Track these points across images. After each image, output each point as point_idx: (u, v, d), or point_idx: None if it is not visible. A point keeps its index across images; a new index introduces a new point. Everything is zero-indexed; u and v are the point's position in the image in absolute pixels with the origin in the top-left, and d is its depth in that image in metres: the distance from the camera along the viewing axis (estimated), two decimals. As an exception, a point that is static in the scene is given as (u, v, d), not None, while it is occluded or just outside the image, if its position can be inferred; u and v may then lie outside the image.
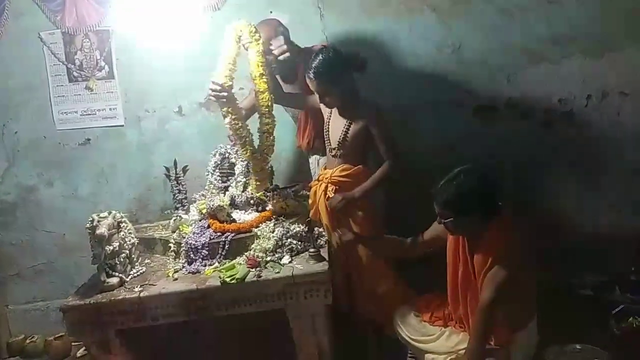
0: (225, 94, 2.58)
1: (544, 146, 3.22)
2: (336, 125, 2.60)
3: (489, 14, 3.09)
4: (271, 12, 3.11)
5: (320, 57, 2.46)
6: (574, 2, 3.05)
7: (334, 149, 2.62)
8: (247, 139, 2.65)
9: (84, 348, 3.08)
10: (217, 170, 2.78)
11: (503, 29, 3.10)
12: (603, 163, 3.23)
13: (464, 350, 2.11)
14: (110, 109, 3.30)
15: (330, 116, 2.64)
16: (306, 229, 2.43)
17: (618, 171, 3.22)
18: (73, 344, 3.19)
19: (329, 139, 2.65)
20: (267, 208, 2.66)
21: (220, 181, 2.76)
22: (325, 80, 2.46)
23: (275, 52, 2.70)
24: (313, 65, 2.46)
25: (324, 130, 2.67)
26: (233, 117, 2.62)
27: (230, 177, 2.78)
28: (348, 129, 2.55)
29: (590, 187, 3.26)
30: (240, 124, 2.64)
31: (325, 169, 2.73)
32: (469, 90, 3.18)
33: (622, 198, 3.24)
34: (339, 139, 2.57)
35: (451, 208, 2.04)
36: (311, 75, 2.47)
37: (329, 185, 2.62)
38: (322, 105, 2.63)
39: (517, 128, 3.20)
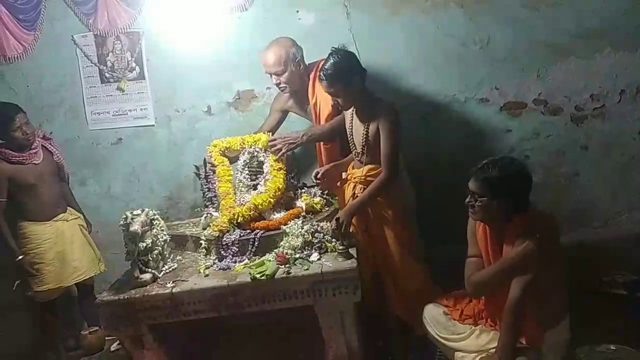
0: None
1: (574, 143, 3.17)
2: (357, 129, 2.61)
3: (516, 9, 3.05)
4: (297, 11, 3.14)
5: (330, 59, 2.47)
6: (604, -5, 3.00)
7: (359, 153, 2.62)
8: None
9: (117, 342, 3.17)
10: (246, 169, 2.83)
11: (531, 24, 3.06)
12: (635, 160, 3.16)
13: (494, 349, 2.10)
14: (141, 109, 3.37)
15: (352, 120, 2.65)
16: (335, 227, 2.44)
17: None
18: (107, 338, 3.26)
19: (353, 143, 2.66)
20: (296, 206, 2.69)
21: (249, 179, 2.80)
22: (335, 82, 2.46)
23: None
24: (324, 67, 2.48)
25: (348, 134, 2.68)
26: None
27: (258, 175, 2.81)
28: (368, 132, 2.54)
29: (623, 184, 3.19)
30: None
31: (353, 168, 2.73)
32: (497, 86, 3.15)
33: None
34: (362, 142, 2.58)
35: (489, 187, 2.04)
36: (322, 77, 2.49)
37: (357, 185, 2.63)
38: (346, 112, 2.66)
39: (546, 124, 3.16)
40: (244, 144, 2.86)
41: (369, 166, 2.60)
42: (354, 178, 2.65)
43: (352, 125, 2.65)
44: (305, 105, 2.95)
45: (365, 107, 2.56)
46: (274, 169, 2.74)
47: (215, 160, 2.84)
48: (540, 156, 3.18)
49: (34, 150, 3.02)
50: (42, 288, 3.03)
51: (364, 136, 2.55)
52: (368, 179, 2.58)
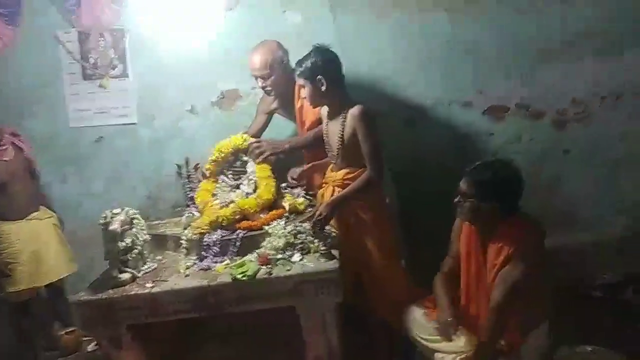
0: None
1: (557, 146, 3.20)
2: (332, 131, 2.59)
3: (501, 14, 3.08)
4: (284, 11, 3.13)
5: (309, 56, 2.47)
6: (588, 2, 3.03)
7: (335, 155, 2.61)
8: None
9: (94, 343, 3.11)
10: (229, 169, 2.80)
11: (516, 29, 3.09)
12: (616, 164, 3.20)
13: (473, 351, 2.10)
14: (123, 107, 3.32)
15: (327, 122, 2.63)
16: (314, 220, 2.43)
17: (632, 172, 3.19)
18: (84, 338, 3.22)
19: (329, 144, 2.64)
20: (279, 206, 2.67)
21: (232, 179, 2.78)
22: (300, 75, 2.47)
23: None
24: (301, 64, 2.48)
25: (324, 136, 2.66)
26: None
27: (241, 175, 2.79)
28: (343, 134, 2.53)
29: (605, 188, 3.23)
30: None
31: (332, 171, 2.72)
32: (481, 90, 3.17)
33: (637, 199, 3.20)
34: (337, 144, 2.56)
35: (479, 188, 2.05)
36: (297, 73, 2.49)
37: (336, 188, 2.62)
38: (322, 113, 2.65)
39: (529, 128, 3.19)
40: (235, 146, 2.83)
41: (346, 169, 2.59)
42: (332, 181, 2.64)
43: (327, 128, 2.64)
44: (291, 108, 2.93)
45: (338, 109, 2.54)
46: (264, 178, 2.71)
47: (209, 176, 2.81)
48: (522, 160, 3.15)
49: (4, 147, 2.96)
50: (15, 289, 2.97)
51: (339, 139, 2.54)
52: (345, 182, 2.57)
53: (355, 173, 2.55)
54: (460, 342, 2.17)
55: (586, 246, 3.17)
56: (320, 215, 2.42)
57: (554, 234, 3.02)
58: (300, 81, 2.51)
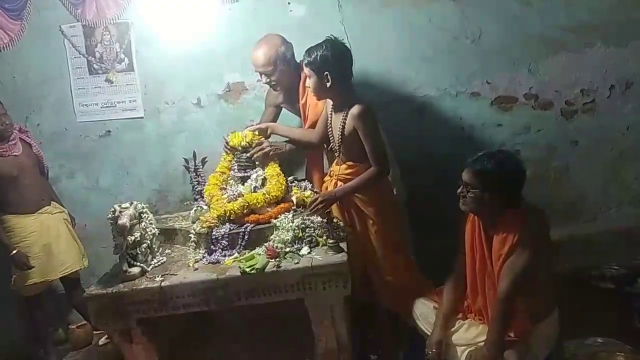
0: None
1: (565, 137, 3.18)
2: (335, 124, 2.56)
3: (508, 3, 3.06)
4: (289, 2, 3.12)
5: (320, 48, 2.41)
6: (595, -10, 3.01)
7: (336, 149, 2.59)
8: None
9: (105, 337, 3.14)
10: (237, 161, 2.79)
11: (523, 18, 3.07)
12: (624, 155, 3.18)
13: (483, 342, 2.10)
14: (130, 101, 3.33)
15: (331, 113, 2.61)
16: (325, 221, 2.43)
17: (639, 163, 3.18)
18: (95, 332, 3.24)
19: (332, 137, 2.62)
20: (287, 200, 2.67)
21: (238, 170, 2.77)
22: (308, 66, 2.44)
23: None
24: (309, 48, 2.44)
25: (327, 129, 2.64)
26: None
27: (248, 169, 2.78)
28: (344, 127, 2.50)
29: (613, 179, 3.22)
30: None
31: (336, 164, 2.71)
32: (488, 80, 3.15)
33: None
34: (338, 137, 2.54)
35: (483, 178, 2.04)
36: (305, 62, 2.46)
37: (338, 182, 2.61)
38: (327, 105, 2.62)
39: (537, 119, 3.16)
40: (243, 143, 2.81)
41: (348, 163, 2.57)
42: (335, 175, 2.63)
43: (330, 119, 2.61)
44: (296, 103, 2.91)
45: (341, 105, 2.51)
46: (274, 175, 2.70)
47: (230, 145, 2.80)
48: (530, 151, 3.19)
49: (13, 142, 2.97)
50: (28, 282, 2.99)
51: (340, 132, 2.51)
52: (346, 176, 2.56)
53: (356, 168, 2.54)
54: (469, 334, 2.18)
55: (592, 237, 3.16)
56: (319, 201, 2.42)
57: (561, 225, 3.06)
58: (306, 70, 2.48)
